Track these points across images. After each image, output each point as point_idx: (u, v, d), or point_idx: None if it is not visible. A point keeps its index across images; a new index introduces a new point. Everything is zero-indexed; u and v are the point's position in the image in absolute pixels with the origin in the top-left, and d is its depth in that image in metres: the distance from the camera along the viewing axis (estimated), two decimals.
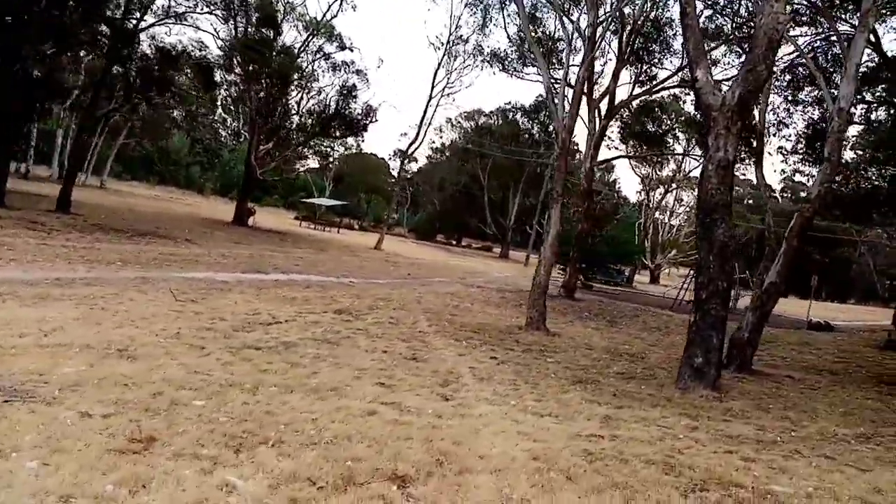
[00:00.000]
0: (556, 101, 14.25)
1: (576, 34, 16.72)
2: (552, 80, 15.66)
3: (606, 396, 7.85)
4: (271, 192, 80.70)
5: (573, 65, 15.82)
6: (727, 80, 21.58)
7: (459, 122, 70.99)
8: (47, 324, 6.79)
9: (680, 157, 49.30)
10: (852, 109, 14.67)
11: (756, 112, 15.55)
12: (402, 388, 6.62)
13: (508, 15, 25.83)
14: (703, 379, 8.56)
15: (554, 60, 26.19)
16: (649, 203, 57.63)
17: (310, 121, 36.69)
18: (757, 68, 8.60)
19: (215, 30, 33.10)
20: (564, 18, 19.30)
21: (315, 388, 6.01)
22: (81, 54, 33.19)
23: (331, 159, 65.08)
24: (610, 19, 19.02)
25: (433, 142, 74.90)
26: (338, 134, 38.17)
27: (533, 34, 23.44)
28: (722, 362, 9.00)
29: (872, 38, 16.81)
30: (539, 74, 23.12)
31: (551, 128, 56.12)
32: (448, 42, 37.48)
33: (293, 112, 36.37)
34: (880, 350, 18.96)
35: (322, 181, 73.53)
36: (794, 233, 11.67)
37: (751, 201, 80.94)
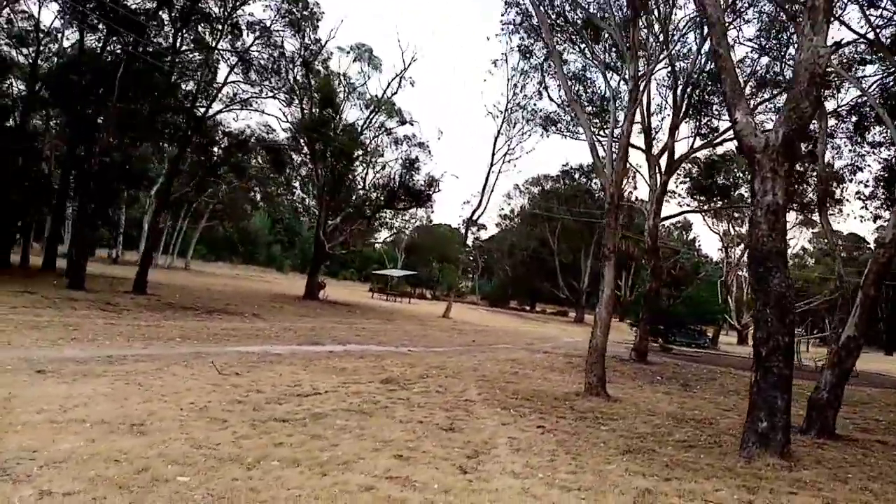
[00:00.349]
0: (603, 156, 13.90)
1: (623, 88, 16.43)
2: (595, 137, 15.34)
3: (656, 467, 7.14)
4: (347, 266, 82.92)
5: (620, 120, 15.42)
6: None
7: (528, 188, 71.32)
8: (72, 400, 6.86)
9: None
10: None
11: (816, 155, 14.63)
12: (422, 460, 6.21)
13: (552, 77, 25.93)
14: (770, 446, 7.69)
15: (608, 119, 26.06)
16: (729, 260, 55.23)
17: (375, 194, 37.61)
18: (800, 105, 8.05)
19: (283, 112, 34.86)
20: (608, 72, 19.12)
21: (324, 461, 5.71)
22: (164, 145, 35.67)
23: (401, 231, 66.46)
24: (652, 72, 18.70)
25: (502, 209, 75.37)
26: (402, 206, 38.88)
27: (582, 93, 23.42)
28: (790, 426, 8.08)
29: None
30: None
31: (626, 189, 55.62)
32: (506, 110, 38.01)
33: (359, 186, 37.44)
34: None
35: (395, 253, 74.88)
36: (870, 281, 10.67)
37: (843, 254, 76.60)
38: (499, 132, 39.76)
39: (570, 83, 25.10)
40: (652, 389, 15.90)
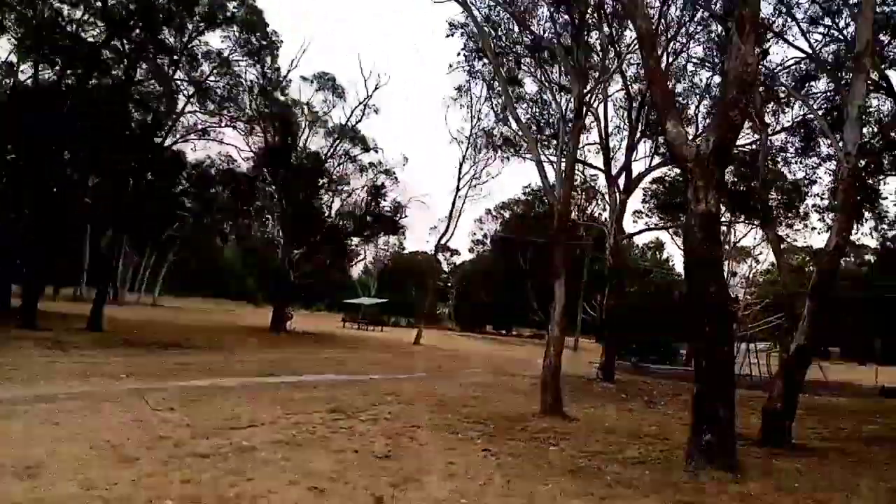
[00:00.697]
0: (552, 177, 13.81)
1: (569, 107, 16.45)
2: (547, 157, 15.27)
3: (596, 486, 6.84)
4: (321, 297, 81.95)
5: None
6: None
7: (500, 212, 71.49)
8: None
9: (725, 228, 47.72)
10: None
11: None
12: (340, 491, 5.86)
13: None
14: (715, 459, 7.45)
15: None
16: None
17: (342, 222, 37.30)
18: (730, 114, 7.99)
19: (246, 142, 34.41)
20: (561, 94, 19.19)
21: (228, 498, 5.33)
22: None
23: (378, 259, 66.10)
24: (605, 92, 18.81)
25: (474, 234, 75.34)
26: (370, 233, 38.60)
27: (538, 116, 23.48)
28: (735, 437, 7.85)
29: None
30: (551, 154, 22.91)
31: (591, 207, 55.69)
32: (470, 135, 38.01)
33: (324, 215, 37.06)
34: None
35: (370, 281, 74.31)
36: (815, 290, 10.57)
37: (811, 268, 77.38)
38: (464, 157, 39.76)
39: (528, 105, 25.38)
40: (615, 408, 15.63)
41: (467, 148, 38.99)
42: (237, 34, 30.44)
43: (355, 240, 40.91)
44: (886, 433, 13.09)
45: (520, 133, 25.44)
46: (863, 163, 18.46)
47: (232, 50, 30.65)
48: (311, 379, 16.31)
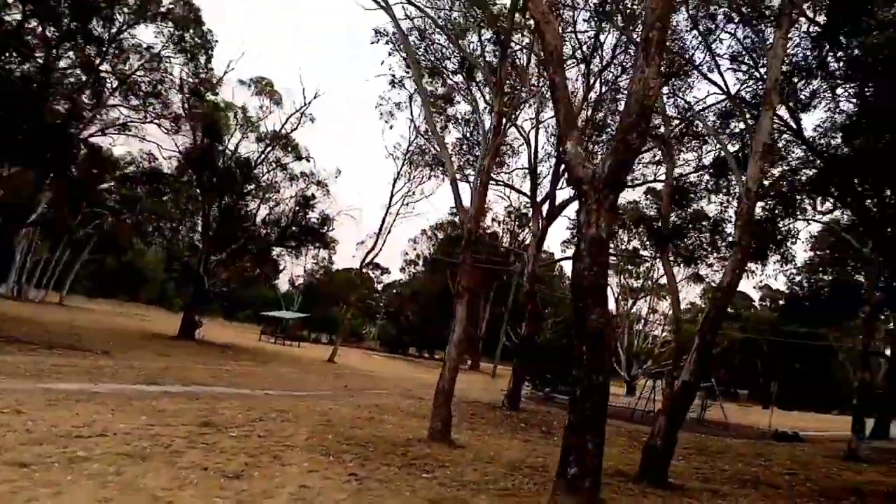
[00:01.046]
0: (468, 195, 13.65)
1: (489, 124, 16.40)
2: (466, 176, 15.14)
3: None
4: (245, 308, 79.57)
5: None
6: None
7: (434, 233, 71.48)
8: None
9: (649, 264, 48.99)
10: None
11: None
12: None
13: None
14: (578, 492, 7.24)
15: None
16: (621, 312, 56.76)
17: (264, 231, 36.32)
18: (628, 137, 7.95)
19: (174, 141, 33.12)
20: (480, 115, 19.25)
21: None
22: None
23: (303, 272, 64.64)
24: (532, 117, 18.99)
25: (406, 253, 74.99)
26: (295, 244, 37.72)
27: (469, 135, 23.53)
28: (601, 470, 7.68)
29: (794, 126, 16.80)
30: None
31: (524, 234, 56.15)
32: (407, 152, 37.72)
33: (248, 222, 35.98)
34: (841, 460, 17.47)
35: (295, 295, 72.62)
36: (707, 325, 10.70)
37: (730, 309, 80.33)
38: (398, 174, 39.36)
39: (460, 124, 25.46)
40: (510, 437, 15.44)
41: (403, 164, 38.68)
42: (171, 31, 29.53)
43: (279, 250, 39.82)
44: (767, 477, 13.31)
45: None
46: (772, 204, 19.26)
47: (164, 46, 29.71)
48: (198, 390, 15.48)
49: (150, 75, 28.82)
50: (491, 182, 29.75)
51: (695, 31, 16.48)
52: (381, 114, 28.34)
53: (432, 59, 20.51)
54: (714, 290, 11.88)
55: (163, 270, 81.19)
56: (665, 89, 18.06)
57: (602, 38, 21.14)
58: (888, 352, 33.89)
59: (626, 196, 27.47)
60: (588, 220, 7.93)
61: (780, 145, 18.43)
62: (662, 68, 19.33)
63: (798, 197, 19.54)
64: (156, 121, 29.64)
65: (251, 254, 37.24)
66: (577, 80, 22.67)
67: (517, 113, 21.64)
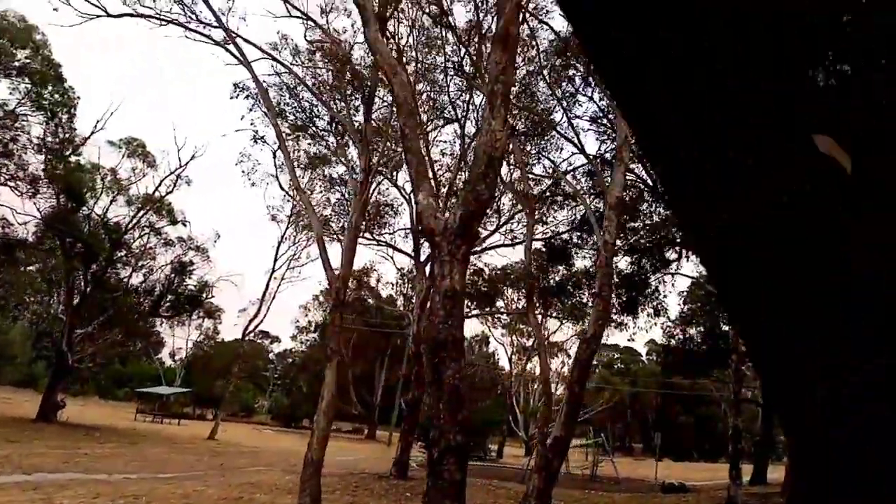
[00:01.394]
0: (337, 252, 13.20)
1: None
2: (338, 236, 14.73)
3: None
4: (122, 385, 73.70)
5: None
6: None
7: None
8: None
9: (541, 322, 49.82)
10: None
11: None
12: None
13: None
14: None
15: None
16: (515, 371, 57.13)
17: (137, 300, 33.99)
18: (477, 188, 7.88)
19: (34, 204, 30.59)
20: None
21: None
22: None
23: (190, 344, 60.97)
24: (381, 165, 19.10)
25: (297, 321, 72.52)
26: (170, 314, 35.51)
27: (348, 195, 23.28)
28: None
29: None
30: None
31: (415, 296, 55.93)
32: (291, 214, 36.72)
33: (118, 292, 33.52)
34: None
35: (178, 368, 68.13)
36: (575, 378, 10.65)
37: (620, 365, 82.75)
38: (282, 237, 38.19)
39: (336, 185, 25.14)
40: None
41: (287, 227, 37.57)
42: (28, 87, 27.71)
43: (155, 321, 37.29)
44: None
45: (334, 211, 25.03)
46: (638, 258, 20.05)
47: (20, 103, 27.77)
48: (41, 479, 13.72)
49: (1, 133, 26.73)
50: (374, 243, 29.83)
51: (555, 94, 17.27)
52: (244, 171, 27.05)
53: (303, 116, 20.26)
54: (580, 342, 11.94)
55: (31, 348, 74.35)
56: (532, 149, 18.69)
57: (477, 100, 21.76)
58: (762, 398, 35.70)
59: (511, 255, 27.89)
60: (441, 272, 7.73)
61: (643, 206, 19.40)
62: (525, 127, 20.27)
63: (666, 250, 20.51)
64: (9, 183, 27.39)
65: (122, 325, 34.56)
66: (454, 141, 23.20)
67: (397, 173, 21.64)
